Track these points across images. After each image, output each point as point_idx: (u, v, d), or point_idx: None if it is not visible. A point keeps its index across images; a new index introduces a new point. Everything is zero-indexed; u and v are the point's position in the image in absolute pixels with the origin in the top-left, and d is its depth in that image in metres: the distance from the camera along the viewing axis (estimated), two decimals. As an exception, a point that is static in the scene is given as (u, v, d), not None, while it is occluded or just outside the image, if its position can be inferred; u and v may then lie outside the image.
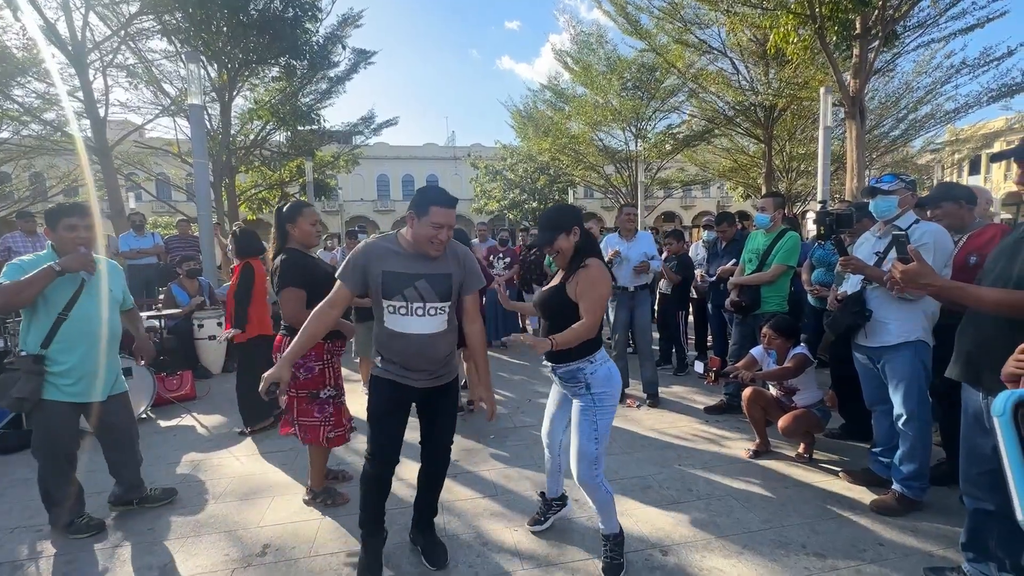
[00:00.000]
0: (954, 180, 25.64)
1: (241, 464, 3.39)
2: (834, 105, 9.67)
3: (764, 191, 15.40)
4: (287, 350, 2.03)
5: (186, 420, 4.25)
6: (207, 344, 5.50)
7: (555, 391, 2.37)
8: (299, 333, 2.02)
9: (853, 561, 2.23)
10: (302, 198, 17.94)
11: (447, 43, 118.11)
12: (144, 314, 5.24)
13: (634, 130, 17.39)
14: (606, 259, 4.47)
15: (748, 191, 19.33)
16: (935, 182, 24.15)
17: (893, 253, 2.52)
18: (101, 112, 10.61)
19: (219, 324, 5.58)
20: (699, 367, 3.19)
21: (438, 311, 2.05)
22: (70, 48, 9.57)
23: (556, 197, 25.25)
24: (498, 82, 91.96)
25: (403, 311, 2.01)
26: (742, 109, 14.12)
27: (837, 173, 14.98)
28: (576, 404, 2.13)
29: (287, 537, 2.51)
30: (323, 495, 2.81)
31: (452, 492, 2.93)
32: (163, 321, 5.36)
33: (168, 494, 2.88)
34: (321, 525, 2.61)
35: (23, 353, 2.39)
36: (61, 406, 2.44)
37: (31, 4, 8.89)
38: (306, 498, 2.84)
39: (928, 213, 3.16)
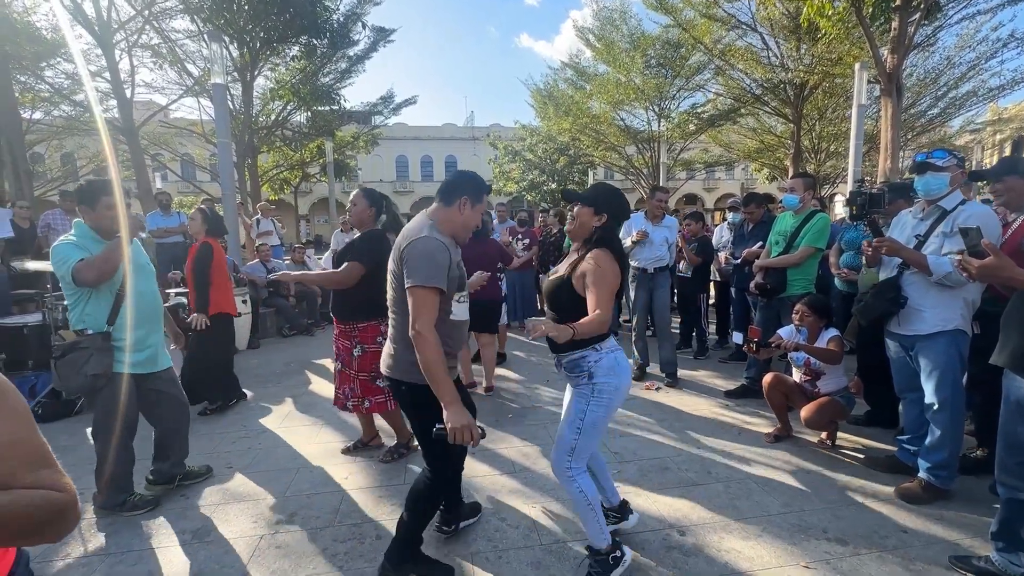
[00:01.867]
0: (995, 162, 24.49)
1: (268, 437, 3.49)
2: (869, 82, 9.27)
3: (791, 172, 14.95)
4: (448, 391, 1.75)
5: (214, 394, 4.39)
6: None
7: (567, 393, 2.17)
8: (440, 368, 1.76)
9: (875, 548, 2.21)
10: (322, 179, 18.07)
11: (465, 20, 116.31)
12: (171, 291, 5.39)
13: (657, 109, 16.96)
14: (632, 239, 4.39)
15: (774, 173, 18.79)
16: (974, 164, 23.09)
17: (935, 239, 2.44)
18: (127, 93, 10.76)
19: (244, 301, 5.71)
20: (738, 338, 3.14)
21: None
22: (96, 28, 9.69)
23: (576, 178, 24.91)
24: (517, 60, 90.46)
25: (465, 298, 2.01)
26: (771, 87, 13.63)
27: (869, 154, 14.43)
28: (573, 391, 2.03)
29: (313, 507, 2.59)
30: (401, 448, 3.09)
31: (471, 469, 2.97)
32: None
33: (208, 471, 2.98)
34: (344, 496, 2.69)
35: (88, 332, 2.43)
36: (128, 380, 2.53)
37: (58, -16, 9.00)
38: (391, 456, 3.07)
39: (988, 188, 3.01)
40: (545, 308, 2.17)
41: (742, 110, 15.59)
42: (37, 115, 13.80)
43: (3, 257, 5.41)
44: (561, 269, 2.04)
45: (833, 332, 3.11)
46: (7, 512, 0.71)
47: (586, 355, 1.95)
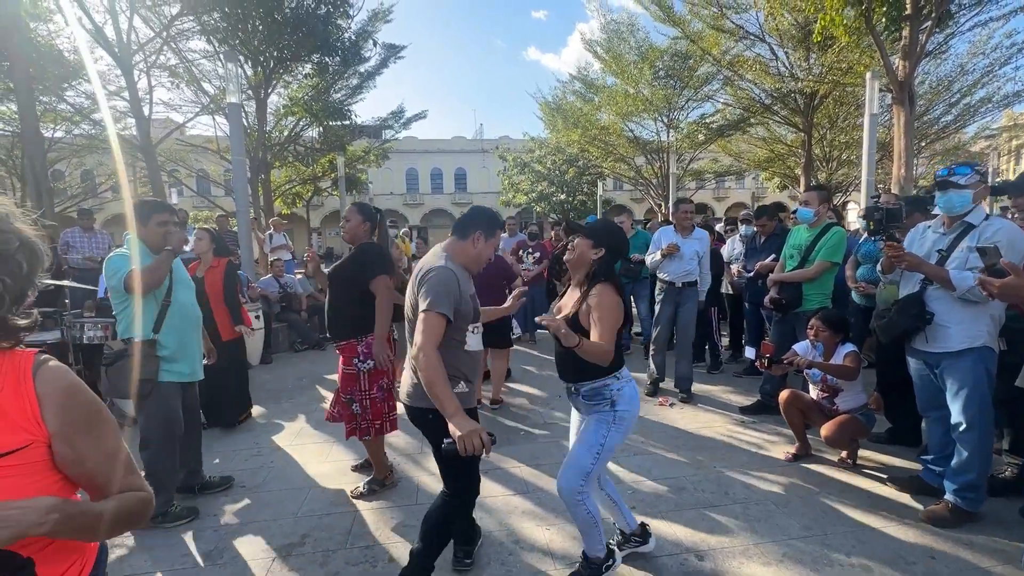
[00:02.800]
0: (1011, 168, 24.10)
1: (280, 454, 3.49)
2: (880, 90, 9.20)
3: (803, 181, 14.87)
4: (451, 403, 1.74)
5: (227, 410, 4.41)
6: (246, 336, 5.67)
7: (575, 421, 2.22)
8: (443, 385, 1.76)
9: (901, 572, 2.14)
10: (333, 192, 18.32)
11: (473, 35, 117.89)
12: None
13: (666, 120, 16.98)
14: (663, 252, 4.33)
15: (785, 182, 18.67)
16: (990, 170, 22.75)
17: (960, 253, 2.39)
18: (145, 111, 11.03)
19: (257, 317, 5.76)
20: (750, 352, 3.09)
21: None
22: (116, 50, 9.97)
23: (585, 189, 24.96)
24: (525, 73, 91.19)
25: (478, 330, 2.04)
26: (780, 96, 13.59)
27: (883, 162, 14.28)
28: (593, 416, 2.03)
29: (325, 527, 2.58)
30: (375, 484, 2.94)
31: (484, 488, 2.92)
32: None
33: (225, 481, 3.03)
34: (356, 517, 2.67)
35: (135, 339, 2.51)
36: (174, 387, 2.63)
37: (81, 9, 9.29)
38: (362, 490, 2.90)
39: (1012, 202, 2.95)
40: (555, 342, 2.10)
41: (752, 120, 15.54)
42: (58, 133, 14.17)
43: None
44: (567, 307, 2.06)
45: (850, 347, 3.04)
46: (122, 514, 0.88)
47: (608, 384, 1.99)
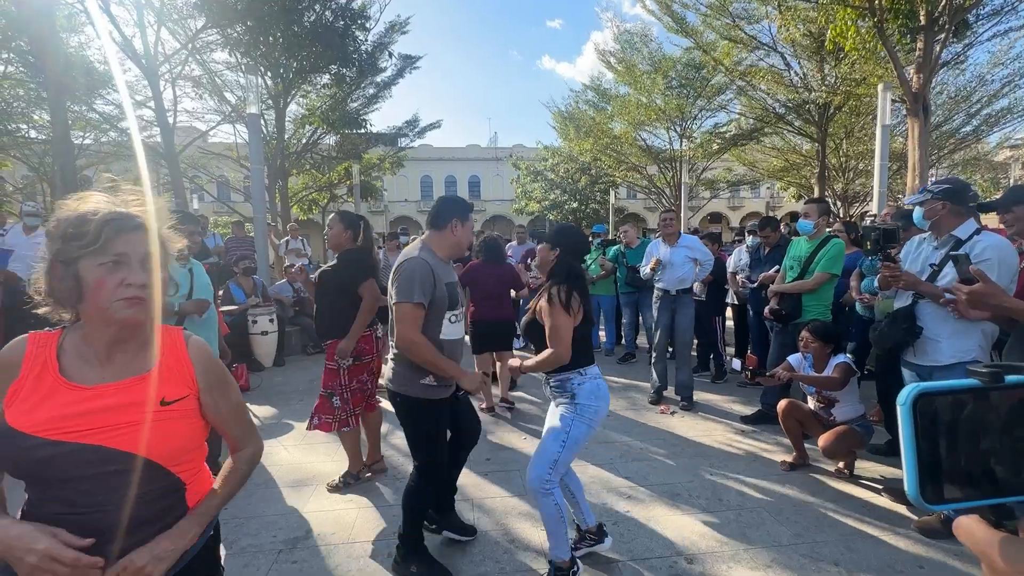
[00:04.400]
0: (1036, 179, 23.50)
1: (289, 453, 3.62)
2: (895, 102, 9.15)
3: (816, 191, 14.74)
4: (452, 368, 2.06)
5: (240, 410, 4.57)
6: (260, 339, 5.86)
7: (550, 412, 2.31)
8: (436, 356, 2.02)
9: (889, 582, 2.17)
10: (349, 199, 18.69)
11: (488, 45, 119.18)
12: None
13: (679, 129, 17.01)
14: (647, 268, 4.48)
15: (800, 191, 18.51)
16: (1012, 181, 22.25)
17: (951, 268, 2.43)
18: (170, 120, 11.42)
19: (271, 320, 5.94)
20: (736, 364, 3.16)
21: (463, 312, 2.27)
22: (144, 61, 10.37)
23: (598, 197, 25.01)
24: (539, 82, 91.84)
25: (458, 318, 2.20)
26: (794, 106, 13.55)
27: (900, 173, 14.12)
28: (556, 410, 2.18)
29: (329, 523, 2.69)
30: (350, 477, 3.10)
31: (483, 490, 3.03)
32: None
33: None
34: (359, 514, 2.78)
35: None
36: None
37: (111, 22, 9.70)
38: (337, 483, 3.05)
39: (999, 219, 2.98)
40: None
41: (766, 129, 15.49)
42: (87, 141, 14.70)
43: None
44: (532, 306, 2.20)
45: (842, 359, 3.07)
46: (233, 485, 1.16)
47: (571, 378, 2.12)
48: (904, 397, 0.53)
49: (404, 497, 2.23)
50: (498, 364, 4.57)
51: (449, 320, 2.13)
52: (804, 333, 3.18)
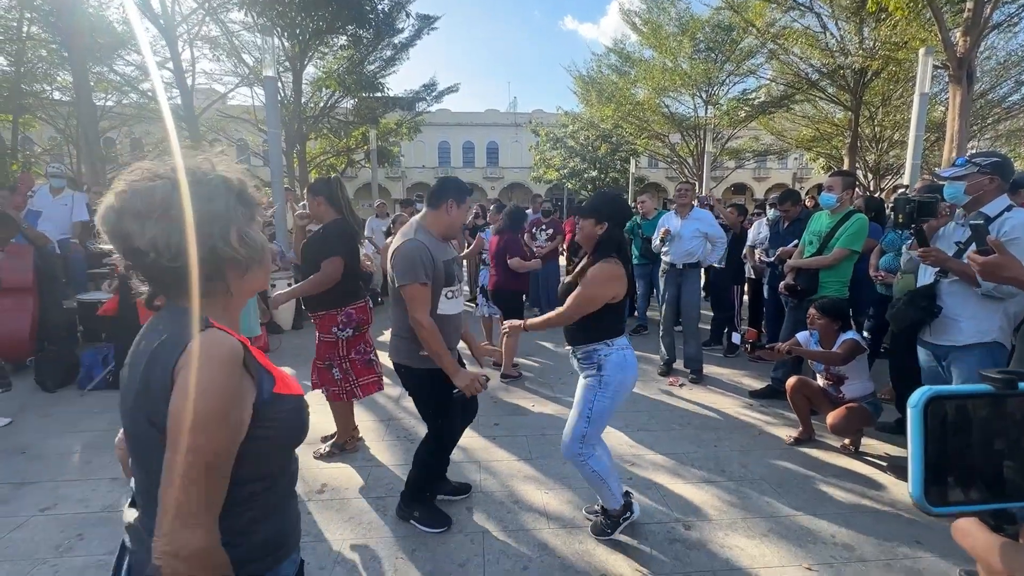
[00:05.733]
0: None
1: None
2: (936, 68, 8.64)
3: (846, 163, 14.17)
4: (450, 364, 2.11)
5: (260, 370, 4.74)
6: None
7: (579, 384, 2.28)
8: (443, 349, 2.09)
9: (884, 556, 2.21)
10: (366, 165, 18.65)
11: (509, 3, 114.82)
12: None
13: (704, 96, 16.39)
14: (657, 238, 4.47)
15: (830, 162, 17.82)
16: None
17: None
18: (188, 82, 11.43)
19: (288, 284, 6.07)
20: (736, 338, 3.15)
21: (462, 288, 2.33)
22: (162, 21, 10.32)
23: (618, 166, 24.49)
24: (561, 44, 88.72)
25: (455, 294, 2.27)
26: (828, 72, 12.89)
27: (937, 144, 13.45)
28: (583, 382, 2.20)
29: (343, 479, 2.82)
30: (335, 447, 3.13)
31: (490, 453, 3.13)
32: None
33: None
34: (374, 471, 2.90)
35: None
36: None
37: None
38: (323, 451, 3.07)
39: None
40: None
41: (797, 96, 14.82)
42: (110, 103, 14.83)
43: (81, 238, 5.95)
44: (571, 277, 2.21)
45: (850, 335, 3.03)
46: None
47: (598, 349, 2.13)
48: (916, 399, 0.53)
49: (417, 451, 2.39)
50: (505, 340, 4.60)
51: (445, 296, 2.20)
52: (811, 310, 3.14)
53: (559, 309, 2.13)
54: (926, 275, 2.59)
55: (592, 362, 2.14)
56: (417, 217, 2.27)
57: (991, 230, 2.33)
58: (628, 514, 2.29)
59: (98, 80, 12.69)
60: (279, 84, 13.79)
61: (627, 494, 2.36)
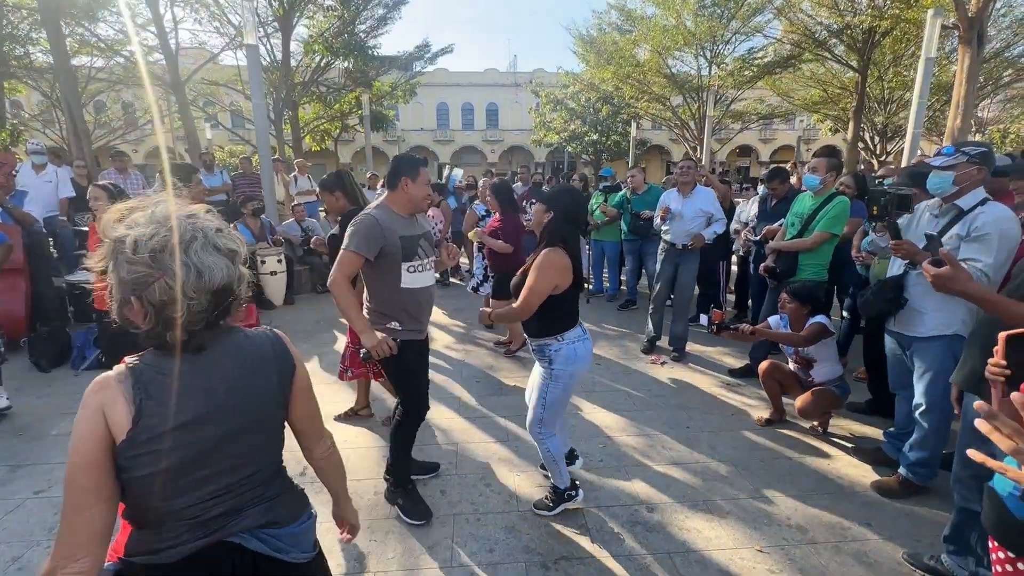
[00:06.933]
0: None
1: (292, 392, 3.87)
2: (946, 27, 8.27)
3: (851, 127, 13.81)
4: (359, 322, 2.21)
5: (251, 348, 4.82)
6: (269, 278, 6.05)
7: (534, 370, 2.42)
8: (351, 307, 2.20)
9: (835, 536, 2.31)
10: (360, 130, 18.26)
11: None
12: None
13: (709, 55, 15.79)
14: (657, 217, 4.41)
15: (836, 124, 17.35)
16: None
17: (950, 241, 2.33)
18: (172, 46, 11.06)
19: (279, 260, 6.09)
20: (703, 319, 3.20)
21: (431, 263, 2.39)
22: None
23: (620, 128, 23.89)
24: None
25: (420, 268, 2.32)
26: (837, 31, 12.37)
27: (947, 107, 13.03)
28: (538, 369, 2.31)
29: (323, 461, 2.93)
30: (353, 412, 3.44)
31: (468, 434, 3.23)
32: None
33: None
34: (354, 453, 3.01)
35: None
36: None
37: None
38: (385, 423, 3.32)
39: (1011, 185, 2.81)
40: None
41: (805, 56, 14.27)
42: (99, 63, 14.33)
43: (69, 215, 5.94)
44: (521, 274, 2.23)
45: (818, 319, 3.05)
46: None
47: (549, 344, 2.20)
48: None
49: (391, 431, 2.49)
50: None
51: (407, 270, 2.26)
52: (782, 294, 3.17)
53: (514, 304, 2.16)
54: (896, 265, 2.59)
55: (544, 356, 2.22)
56: (383, 196, 2.34)
57: (965, 223, 2.32)
58: (573, 492, 2.42)
59: (82, 42, 12.29)
60: (268, 47, 13.38)
61: (575, 482, 2.50)
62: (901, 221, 2.45)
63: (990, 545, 1.29)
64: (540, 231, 2.21)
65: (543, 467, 2.71)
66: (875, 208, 2.60)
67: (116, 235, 0.90)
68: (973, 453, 0.84)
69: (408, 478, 2.54)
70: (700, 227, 4.34)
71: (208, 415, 0.96)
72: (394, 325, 2.30)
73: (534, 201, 6.28)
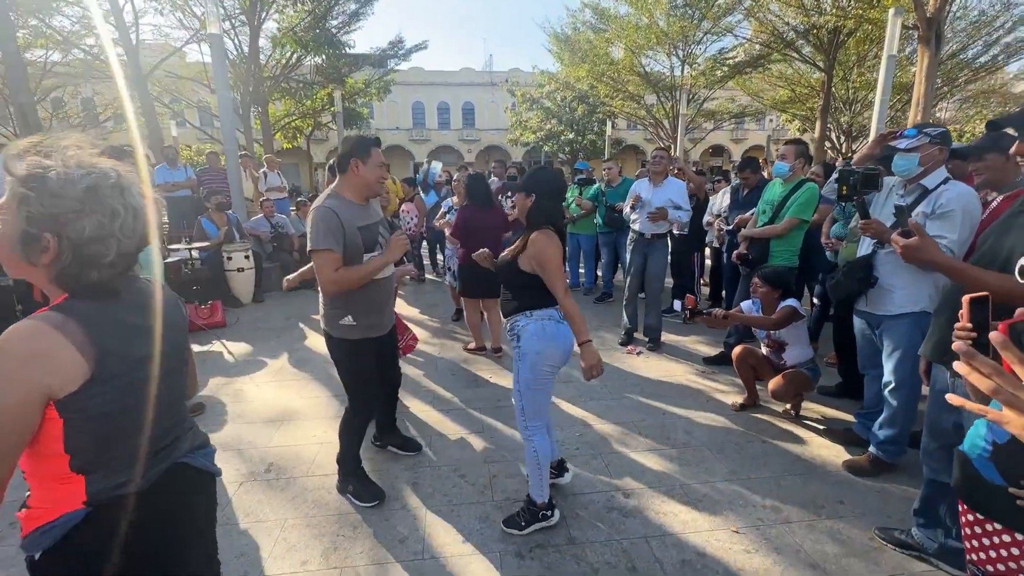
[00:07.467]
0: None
1: (259, 390, 3.73)
2: (907, 28, 8.56)
3: (818, 125, 14.19)
4: (371, 266, 2.18)
5: (215, 346, 4.65)
6: (236, 275, 5.84)
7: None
8: (361, 271, 2.17)
9: (808, 515, 2.32)
10: (333, 127, 17.92)
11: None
12: (176, 246, 5.58)
13: (681, 55, 16.03)
14: (627, 205, 4.41)
15: (804, 124, 17.80)
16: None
17: (918, 220, 2.35)
18: (132, 39, 10.65)
19: (246, 257, 5.89)
20: (677, 306, 3.20)
21: None
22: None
23: (595, 128, 24.07)
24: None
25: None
26: (804, 31, 12.69)
27: (906, 108, 13.50)
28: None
29: (290, 458, 2.82)
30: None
31: (443, 426, 3.16)
32: (192, 253, 5.64)
33: (198, 408, 3.30)
34: (321, 449, 2.90)
35: None
36: None
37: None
38: None
39: (969, 166, 2.87)
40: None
41: (774, 56, 14.61)
42: (55, 56, 13.69)
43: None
44: (508, 254, 2.16)
45: (789, 302, 3.09)
46: None
47: (518, 320, 2.12)
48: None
49: (340, 426, 2.44)
50: (485, 312, 4.51)
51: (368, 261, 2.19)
52: (754, 278, 3.19)
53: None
54: (865, 245, 2.63)
55: (514, 333, 2.14)
56: (332, 185, 2.24)
57: (929, 201, 2.35)
58: (548, 513, 2.21)
59: (38, 35, 11.71)
60: (236, 42, 13.01)
61: (552, 499, 2.28)
62: (869, 198, 2.48)
63: (960, 509, 1.29)
64: (525, 217, 2.11)
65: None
66: (844, 188, 2.62)
67: (28, 171, 0.87)
68: (952, 397, 0.82)
69: (357, 467, 2.48)
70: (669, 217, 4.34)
71: (154, 352, 1.02)
72: (347, 320, 2.24)
73: (510, 194, 6.27)
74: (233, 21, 12.48)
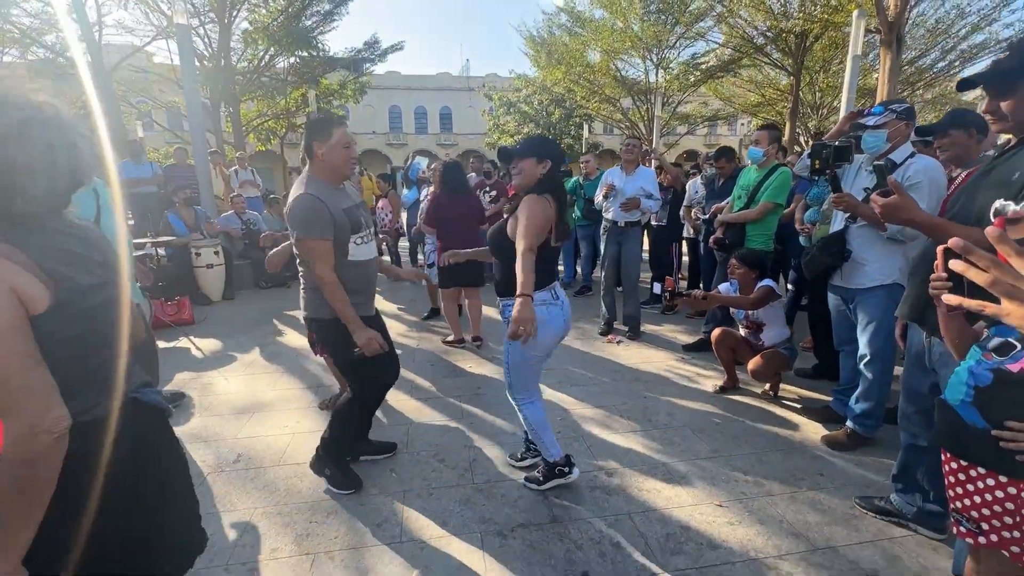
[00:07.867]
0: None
1: (228, 383, 3.58)
2: (869, 32, 8.87)
3: (787, 129, 14.59)
4: (353, 320, 2.07)
5: (183, 343, 4.46)
6: (205, 272, 5.64)
7: None
8: (347, 306, 2.06)
9: (790, 488, 2.32)
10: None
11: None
12: (140, 240, 5.37)
13: (655, 59, 16.31)
14: (600, 193, 4.42)
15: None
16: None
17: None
18: (96, 36, 10.29)
19: (216, 253, 5.70)
20: (657, 288, 3.20)
21: (371, 233, 2.26)
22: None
23: (572, 132, 24.28)
24: (515, 2, 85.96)
25: (366, 239, 2.20)
26: (772, 36, 13.06)
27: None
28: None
29: (260, 449, 2.70)
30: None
31: (420, 414, 3.08)
32: (158, 249, 5.44)
33: (176, 398, 3.22)
34: (292, 440, 2.79)
35: None
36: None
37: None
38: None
39: (935, 142, 2.95)
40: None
41: (744, 61, 15.00)
42: (14, 52, 13.12)
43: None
44: (501, 220, 2.14)
45: (766, 283, 3.12)
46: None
47: (509, 303, 2.04)
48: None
49: (336, 407, 2.33)
50: (466, 301, 4.45)
51: (355, 243, 2.11)
52: (731, 260, 3.21)
53: (519, 254, 1.89)
54: (837, 221, 2.67)
55: (506, 317, 2.09)
56: (303, 172, 2.13)
57: (897, 176, 2.40)
58: (566, 469, 2.25)
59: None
60: (206, 40, 12.70)
61: (569, 457, 2.32)
62: (841, 172, 2.52)
63: (943, 458, 1.28)
64: (531, 183, 2.01)
65: (530, 442, 2.47)
66: (817, 161, 2.65)
67: None
68: (949, 297, 0.80)
69: (343, 457, 2.37)
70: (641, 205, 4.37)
71: (102, 280, 1.02)
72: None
73: (488, 188, 6.23)
74: (202, 18, 12.18)
